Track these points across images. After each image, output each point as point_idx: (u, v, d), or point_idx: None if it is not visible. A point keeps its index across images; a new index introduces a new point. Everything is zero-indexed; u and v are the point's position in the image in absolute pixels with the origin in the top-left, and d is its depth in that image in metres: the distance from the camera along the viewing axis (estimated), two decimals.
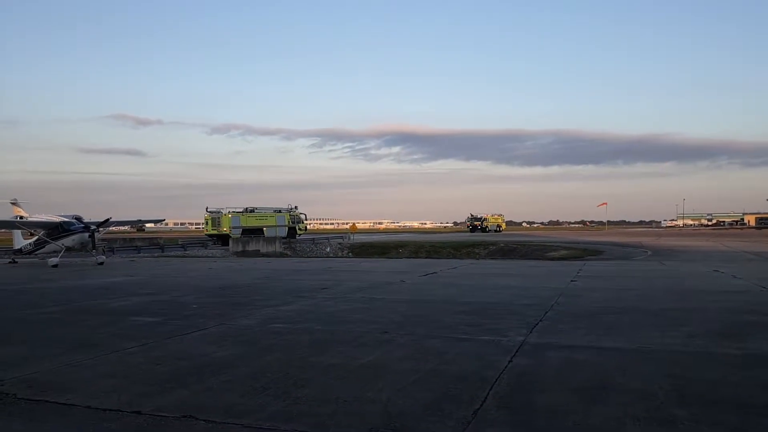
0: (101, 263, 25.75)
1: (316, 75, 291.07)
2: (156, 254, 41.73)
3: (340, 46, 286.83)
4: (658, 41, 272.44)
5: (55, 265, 24.20)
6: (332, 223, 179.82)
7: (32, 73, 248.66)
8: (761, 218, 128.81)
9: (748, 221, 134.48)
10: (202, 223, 60.66)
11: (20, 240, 29.03)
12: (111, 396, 5.33)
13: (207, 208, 57.64)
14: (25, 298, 13.99)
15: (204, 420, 4.68)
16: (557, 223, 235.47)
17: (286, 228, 59.62)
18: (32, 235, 27.38)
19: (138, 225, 67.64)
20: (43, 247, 26.77)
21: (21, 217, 28.12)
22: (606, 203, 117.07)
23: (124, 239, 56.45)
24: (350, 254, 46.52)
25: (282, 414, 4.81)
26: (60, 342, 8.03)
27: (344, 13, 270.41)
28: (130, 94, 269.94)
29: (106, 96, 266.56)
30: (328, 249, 50.65)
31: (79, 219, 26.34)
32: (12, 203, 29.48)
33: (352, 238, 58.78)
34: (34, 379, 6.00)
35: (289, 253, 44.71)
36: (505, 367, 6.20)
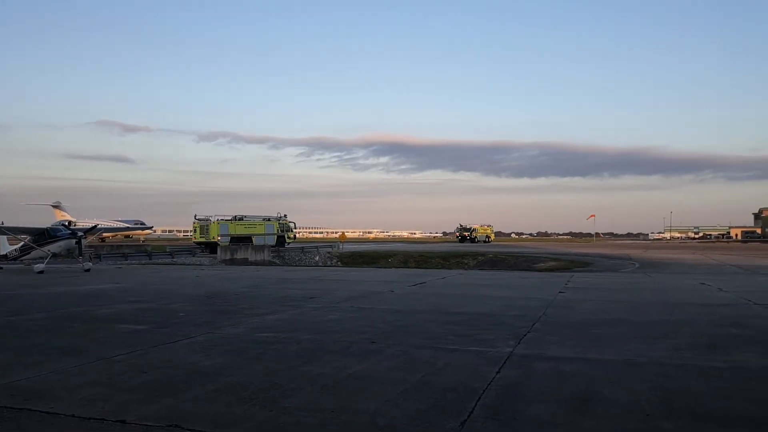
0: (88, 270, 25.51)
1: (304, 84, 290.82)
2: (143, 261, 41.43)
3: (329, 56, 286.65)
4: (644, 54, 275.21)
5: (41, 272, 23.95)
6: (321, 232, 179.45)
7: (19, 79, 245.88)
8: (747, 232, 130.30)
9: (735, 235, 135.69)
10: (191, 231, 60.35)
11: (5, 245, 28.74)
12: (96, 404, 5.27)
13: (195, 216, 57.36)
14: (9, 304, 13.79)
15: (190, 430, 4.64)
16: (546, 234, 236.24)
17: (275, 236, 59.36)
18: (18, 240, 27.11)
19: (126, 231, 67.26)
20: (29, 253, 26.52)
21: (71, 223, 27.01)
22: (594, 215, 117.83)
23: (111, 246, 56.03)
24: (339, 263, 46.46)
25: (269, 424, 4.78)
26: (45, 349, 7.94)
27: (332, 24, 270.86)
28: (117, 100, 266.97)
29: (92, 102, 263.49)
30: (317, 258, 50.55)
31: (141, 224, 25.81)
32: (54, 206, 28.45)
33: (341, 247, 58.70)
34: (18, 387, 5.92)
35: (277, 261, 44.58)
36: (493, 378, 6.21)
